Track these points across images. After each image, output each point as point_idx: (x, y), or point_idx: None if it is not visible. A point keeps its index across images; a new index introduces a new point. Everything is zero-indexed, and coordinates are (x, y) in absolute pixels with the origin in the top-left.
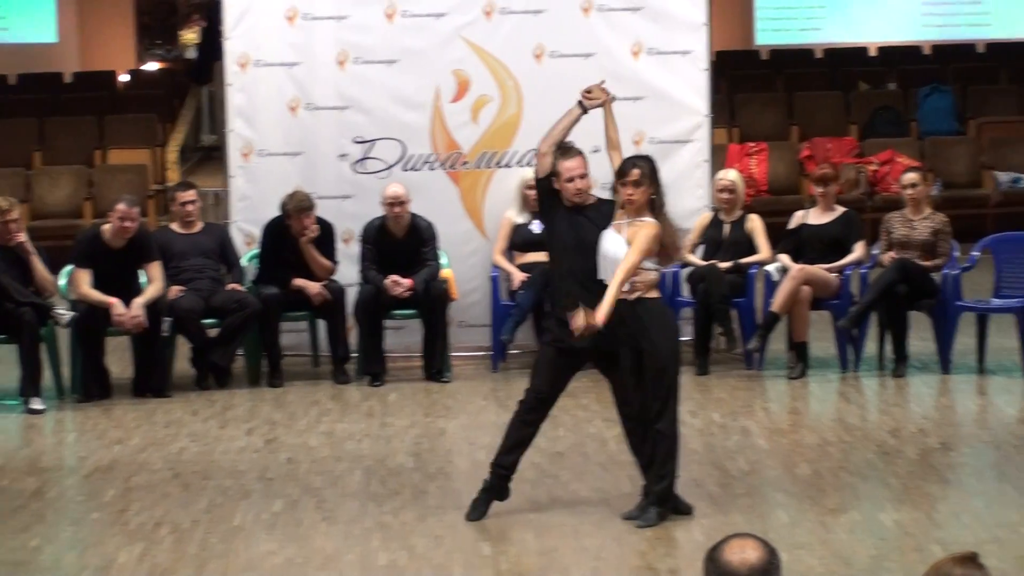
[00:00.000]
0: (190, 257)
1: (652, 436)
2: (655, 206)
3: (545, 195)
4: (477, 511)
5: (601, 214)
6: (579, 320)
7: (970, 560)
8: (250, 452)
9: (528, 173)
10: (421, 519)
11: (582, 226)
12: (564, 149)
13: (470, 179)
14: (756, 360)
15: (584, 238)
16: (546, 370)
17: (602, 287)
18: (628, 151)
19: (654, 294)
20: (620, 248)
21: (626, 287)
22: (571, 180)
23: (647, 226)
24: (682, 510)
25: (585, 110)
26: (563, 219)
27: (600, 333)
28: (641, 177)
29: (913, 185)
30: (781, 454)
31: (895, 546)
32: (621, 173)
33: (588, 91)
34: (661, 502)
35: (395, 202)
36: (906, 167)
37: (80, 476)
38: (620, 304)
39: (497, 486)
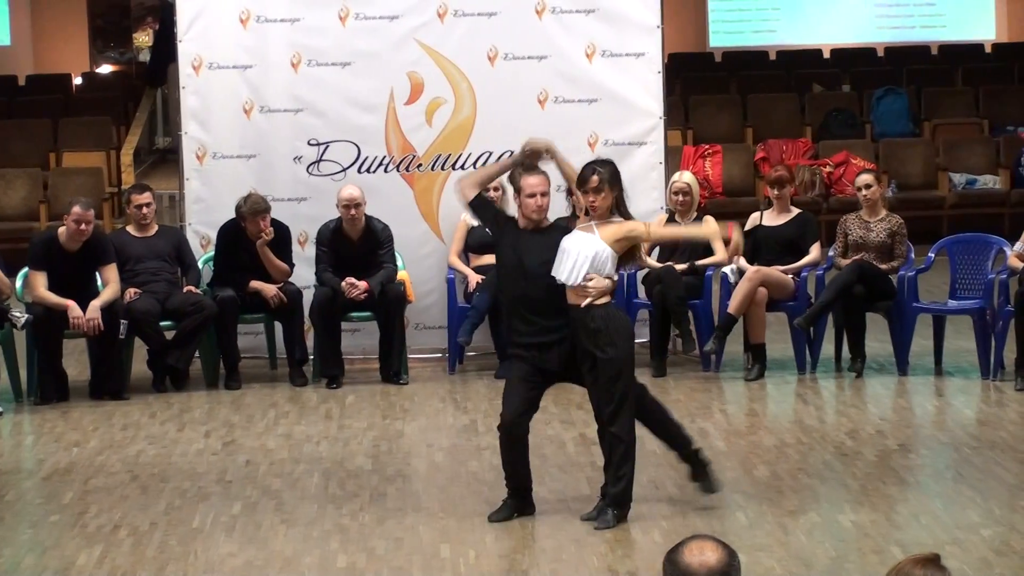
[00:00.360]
0: (146, 260)
1: (608, 439)
2: (621, 209)
3: (483, 215)
4: (500, 514)
5: (552, 239)
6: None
7: (932, 562)
8: (208, 454)
9: None
10: (380, 521)
11: (527, 250)
12: (528, 165)
13: (425, 181)
14: (713, 362)
15: (526, 263)
16: (514, 394)
17: (548, 315)
18: (583, 153)
19: (604, 300)
20: (591, 245)
21: (577, 282)
22: (532, 196)
23: (624, 225)
24: (710, 488)
25: (525, 167)
26: (509, 240)
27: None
28: (601, 183)
29: (867, 186)
30: (739, 456)
31: (854, 547)
32: (582, 180)
33: (529, 152)
34: (618, 504)
35: (351, 205)
36: (860, 169)
37: (38, 479)
38: (573, 310)
39: (518, 501)
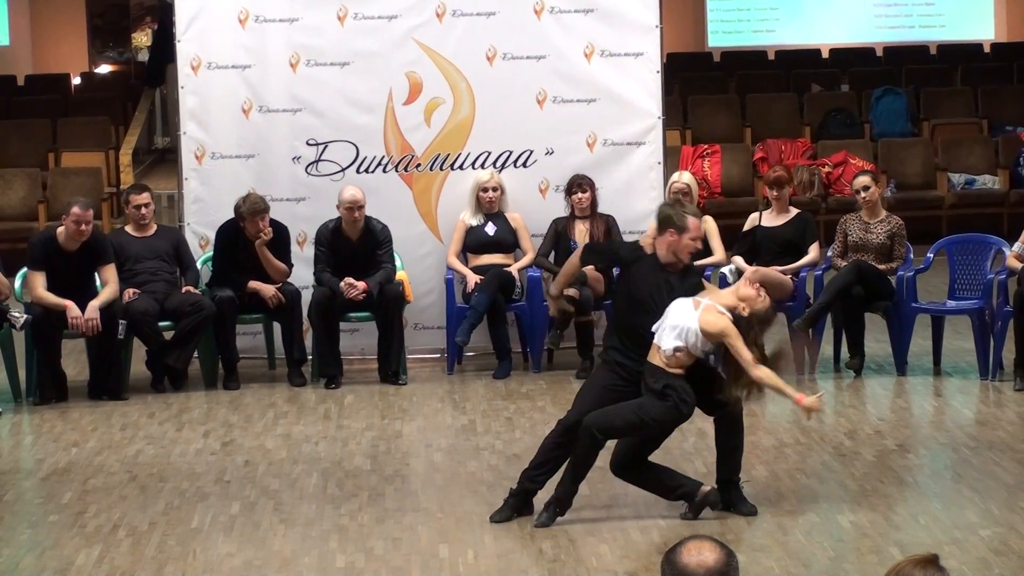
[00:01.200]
0: (145, 260)
1: (581, 431)
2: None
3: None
4: (501, 514)
5: (684, 283)
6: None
7: (931, 562)
8: (207, 454)
9: (481, 175)
10: (379, 521)
11: (662, 287)
12: (693, 211)
13: (424, 181)
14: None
15: (657, 300)
16: (587, 397)
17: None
18: (582, 153)
19: (678, 371)
20: (687, 319)
21: (664, 360)
22: (695, 239)
23: (724, 319)
24: (746, 511)
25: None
26: (645, 271)
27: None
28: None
29: (865, 188)
30: None
31: (853, 548)
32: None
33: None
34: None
35: (354, 207)
36: (859, 169)
37: (37, 479)
38: (647, 364)
39: (521, 497)
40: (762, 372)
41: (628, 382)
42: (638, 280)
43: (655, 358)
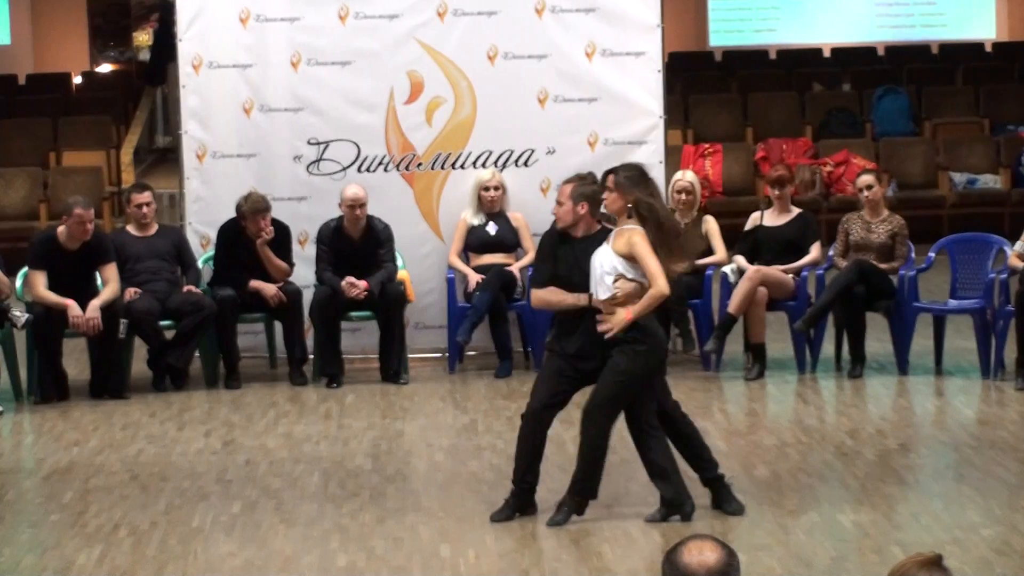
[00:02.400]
0: (146, 259)
1: (581, 430)
2: (639, 211)
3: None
4: (502, 513)
5: (585, 244)
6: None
7: (934, 563)
8: (208, 454)
9: (483, 174)
10: (380, 521)
11: (568, 259)
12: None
13: (425, 180)
14: (713, 362)
15: (567, 271)
16: (542, 385)
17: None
18: (583, 152)
19: (628, 312)
20: (606, 257)
21: (607, 295)
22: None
23: (634, 232)
24: (733, 510)
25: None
26: (559, 252)
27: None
28: (615, 185)
29: (869, 187)
30: (739, 456)
31: (854, 547)
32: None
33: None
34: (575, 499)
35: (356, 204)
36: (861, 169)
37: (38, 478)
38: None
39: (521, 499)
40: (657, 288)
41: (570, 362)
42: (559, 263)
43: (602, 312)
